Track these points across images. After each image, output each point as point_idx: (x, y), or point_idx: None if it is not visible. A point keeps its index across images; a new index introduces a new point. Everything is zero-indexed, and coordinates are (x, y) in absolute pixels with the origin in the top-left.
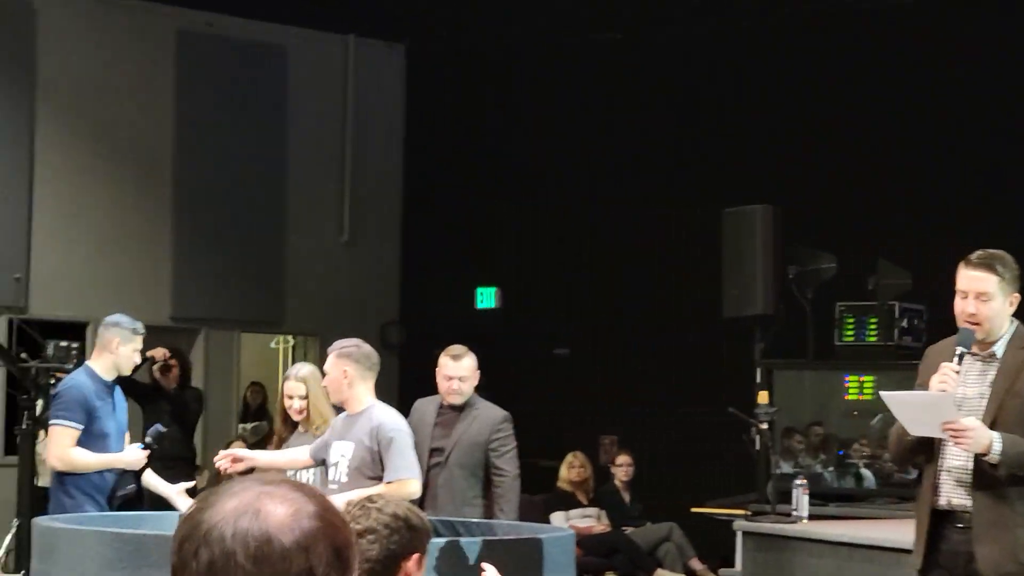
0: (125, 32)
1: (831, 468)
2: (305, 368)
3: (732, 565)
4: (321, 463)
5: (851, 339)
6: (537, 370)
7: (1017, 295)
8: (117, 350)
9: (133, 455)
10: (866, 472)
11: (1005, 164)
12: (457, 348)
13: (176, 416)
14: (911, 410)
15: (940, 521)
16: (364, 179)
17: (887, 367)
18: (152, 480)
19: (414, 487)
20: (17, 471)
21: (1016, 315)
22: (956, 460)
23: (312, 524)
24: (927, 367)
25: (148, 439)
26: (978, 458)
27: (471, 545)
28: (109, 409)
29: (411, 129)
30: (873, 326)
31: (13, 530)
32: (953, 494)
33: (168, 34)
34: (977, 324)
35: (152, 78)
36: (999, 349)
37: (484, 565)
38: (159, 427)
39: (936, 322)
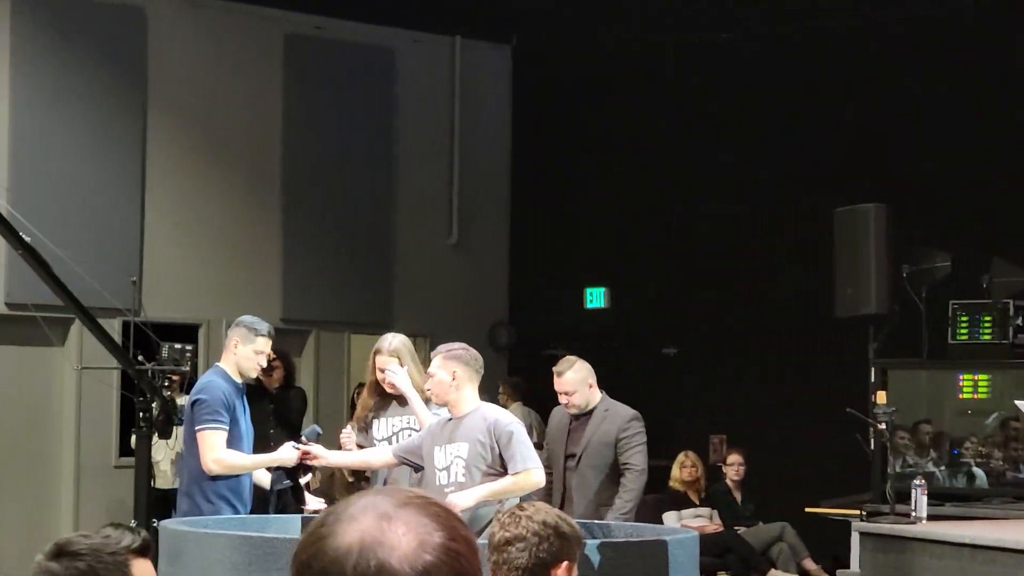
0: (234, 37)
1: (943, 467)
2: (396, 339)
3: (845, 565)
4: (410, 465)
5: (965, 338)
6: (646, 369)
7: None
8: (236, 349)
9: (287, 453)
10: (978, 471)
11: None
12: (561, 363)
13: (279, 416)
14: None
15: None
16: (472, 180)
17: (1001, 366)
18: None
19: (538, 475)
20: (134, 473)
21: None
22: None
23: (436, 557)
24: None
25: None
26: None
27: (597, 548)
28: (241, 410)
29: (518, 130)
30: (987, 325)
31: None
32: None
33: (276, 38)
34: None
35: (261, 82)
36: None
37: None
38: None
39: None
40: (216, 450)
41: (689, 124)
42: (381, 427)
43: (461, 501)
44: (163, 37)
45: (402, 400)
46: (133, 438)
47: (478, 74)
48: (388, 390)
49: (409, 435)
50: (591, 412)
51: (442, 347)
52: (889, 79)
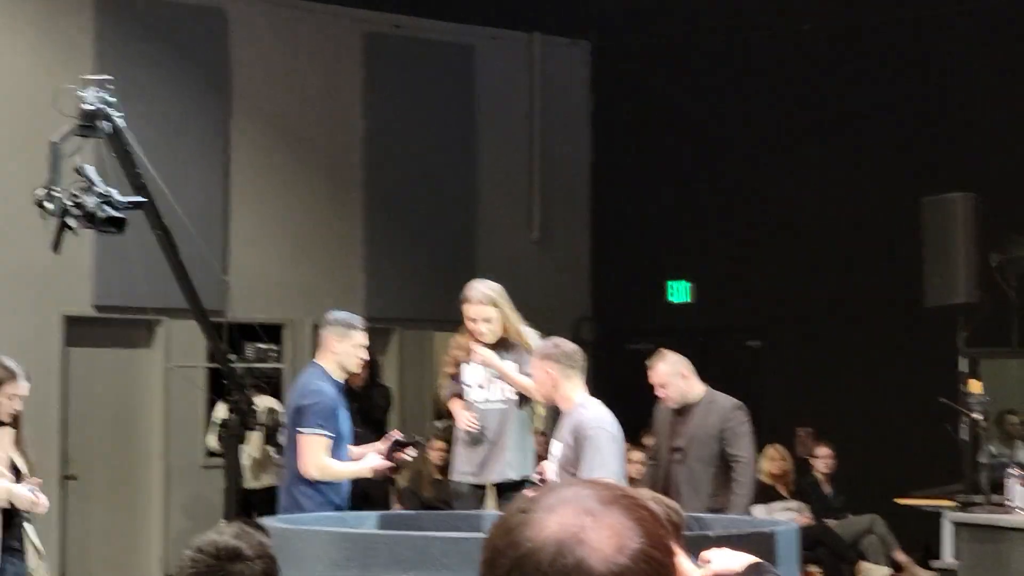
0: (313, 37)
1: None
2: (485, 284)
3: (936, 556)
4: None
5: None
6: (731, 363)
7: None
8: (335, 348)
9: (374, 462)
10: None
11: None
12: (654, 356)
13: (364, 414)
14: None
15: None
16: (553, 176)
17: None
18: None
19: None
20: (224, 474)
21: None
22: None
23: (634, 563)
24: None
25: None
26: None
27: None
28: (344, 414)
29: (598, 124)
30: None
31: None
32: None
33: (355, 37)
34: None
35: (340, 81)
36: None
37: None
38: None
39: None
40: (320, 456)
41: (770, 115)
42: (472, 373)
43: None
44: (244, 38)
45: (495, 347)
46: (210, 438)
47: (558, 70)
48: (482, 340)
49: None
50: (693, 405)
51: (537, 347)
52: (971, 65)
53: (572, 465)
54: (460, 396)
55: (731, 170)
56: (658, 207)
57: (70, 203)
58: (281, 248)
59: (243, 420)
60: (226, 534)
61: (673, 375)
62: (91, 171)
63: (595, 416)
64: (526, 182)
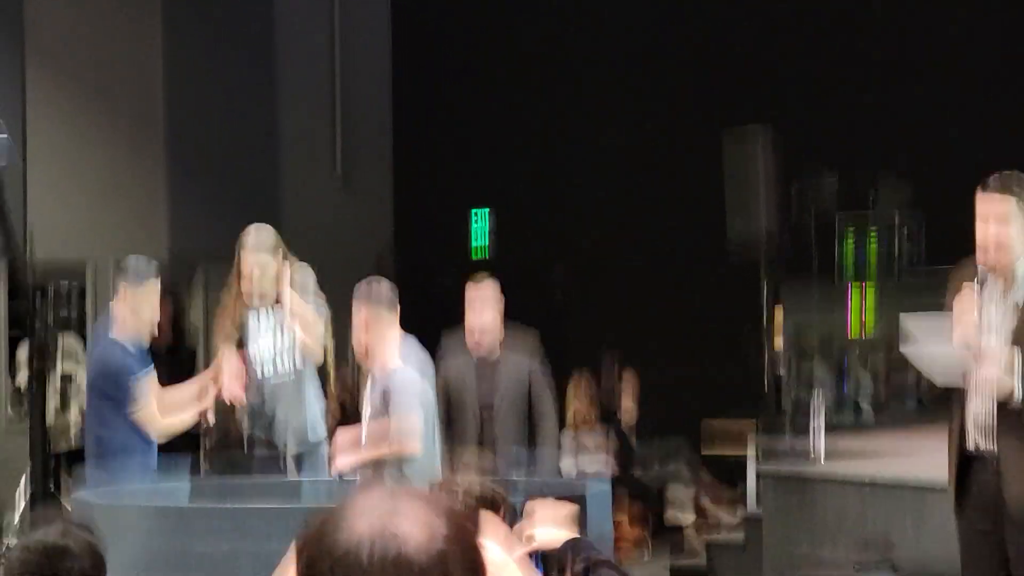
0: None
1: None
2: (265, 231)
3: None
4: None
5: (852, 251)
6: (537, 292)
7: None
8: (128, 298)
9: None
10: (865, 382)
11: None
12: (480, 284)
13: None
14: (931, 360)
15: (970, 463)
16: (354, 112)
17: (888, 275)
18: None
19: (415, 447)
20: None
21: None
22: (980, 405)
23: (447, 546)
24: (952, 291)
25: None
26: (1001, 403)
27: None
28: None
29: (398, 60)
30: (873, 237)
31: None
32: (979, 438)
33: None
34: (999, 247)
35: (138, 23)
36: (1020, 269)
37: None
38: None
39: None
40: (156, 426)
41: (571, 48)
42: (259, 347)
43: (342, 465)
44: None
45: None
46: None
47: (357, 6)
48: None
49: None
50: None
51: (363, 294)
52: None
53: (382, 415)
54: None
55: (531, 102)
56: (460, 140)
57: None
58: (82, 194)
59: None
60: (52, 533)
61: (496, 326)
62: None
63: (406, 373)
64: (328, 120)
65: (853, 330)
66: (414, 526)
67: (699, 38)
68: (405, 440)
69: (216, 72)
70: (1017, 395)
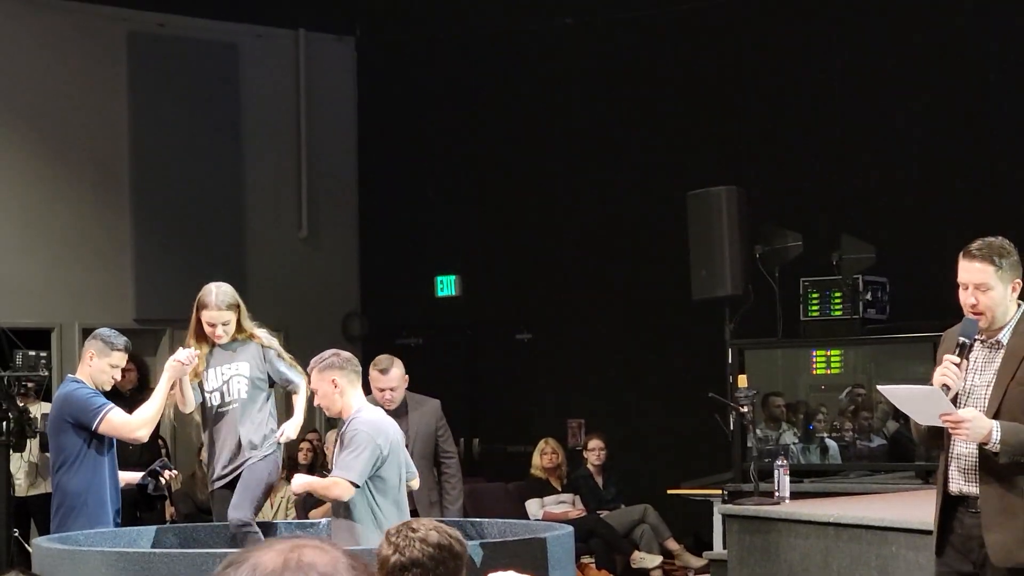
0: (76, 36)
1: (797, 442)
2: (224, 288)
3: (708, 544)
4: None
5: (816, 314)
6: (500, 356)
7: (1019, 280)
8: (91, 362)
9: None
10: (831, 443)
11: (965, 135)
12: (383, 360)
13: None
14: (910, 403)
15: (954, 506)
16: (320, 173)
17: (853, 341)
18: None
19: (346, 490)
20: None
21: None
22: (962, 448)
23: (351, 573)
24: (944, 350)
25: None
26: (982, 447)
27: (475, 549)
28: None
29: (364, 121)
30: (838, 301)
31: None
32: (962, 481)
33: (119, 37)
34: (980, 314)
35: (105, 82)
36: (1005, 336)
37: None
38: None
39: (898, 295)
40: (126, 422)
41: (535, 111)
42: (211, 377)
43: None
44: (4, 38)
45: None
46: None
47: (323, 66)
48: (217, 342)
49: (237, 381)
50: (403, 405)
51: (314, 361)
52: (734, 60)
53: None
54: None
55: (496, 165)
56: (425, 202)
57: None
58: (46, 252)
59: (20, 428)
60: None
61: (402, 380)
62: None
63: (362, 421)
64: (294, 180)
65: (817, 394)
66: (320, 554)
67: (668, 100)
68: (340, 484)
69: (182, 135)
70: (995, 437)
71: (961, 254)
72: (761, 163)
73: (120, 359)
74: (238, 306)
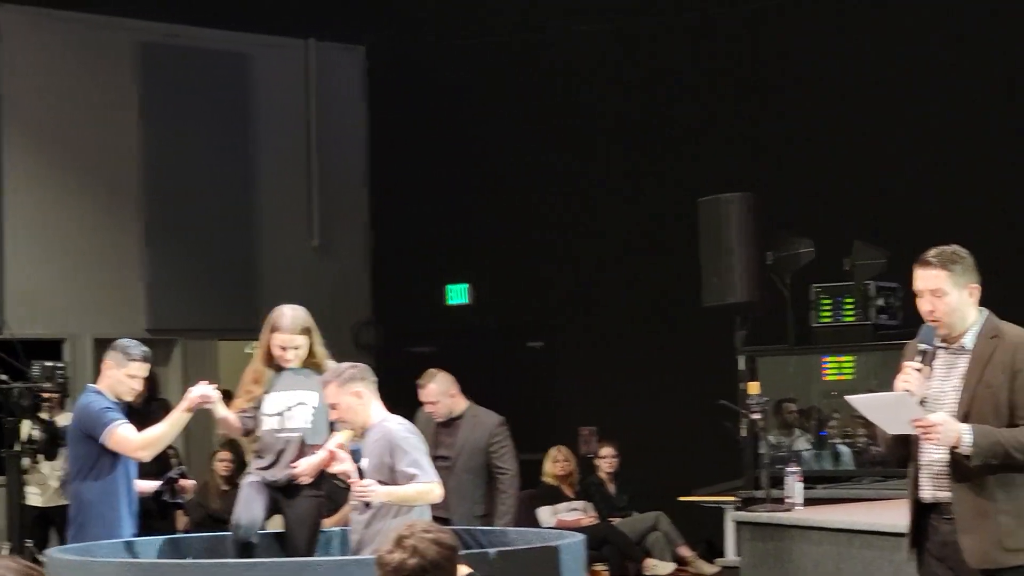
0: (87, 48)
1: (810, 448)
2: (300, 311)
3: (719, 548)
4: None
5: (828, 321)
6: (512, 364)
7: (975, 285)
8: (109, 373)
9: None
10: (843, 449)
11: (978, 141)
12: (424, 376)
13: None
14: (879, 411)
15: (928, 512)
16: (331, 182)
17: (864, 347)
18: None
19: (440, 491)
20: (6, 494)
21: (992, 304)
22: (933, 454)
23: None
24: (906, 360)
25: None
26: (953, 451)
27: (487, 557)
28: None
29: (374, 129)
30: (850, 307)
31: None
32: (934, 487)
33: (130, 48)
34: (937, 321)
35: (116, 92)
36: (968, 341)
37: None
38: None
39: (910, 300)
40: (135, 439)
41: (547, 117)
42: (272, 401)
43: (377, 492)
44: (14, 48)
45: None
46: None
47: (333, 75)
48: (286, 366)
49: (301, 410)
50: (458, 419)
51: (329, 375)
52: (747, 66)
53: (382, 473)
54: (251, 431)
55: (508, 172)
56: (436, 210)
57: None
58: (60, 263)
59: (51, 436)
60: (12, 570)
61: (442, 394)
62: None
63: (400, 421)
64: (304, 189)
65: (829, 400)
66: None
67: (679, 105)
68: (434, 486)
69: (193, 144)
70: (966, 440)
71: (916, 263)
72: (772, 170)
73: (138, 369)
74: (310, 331)
